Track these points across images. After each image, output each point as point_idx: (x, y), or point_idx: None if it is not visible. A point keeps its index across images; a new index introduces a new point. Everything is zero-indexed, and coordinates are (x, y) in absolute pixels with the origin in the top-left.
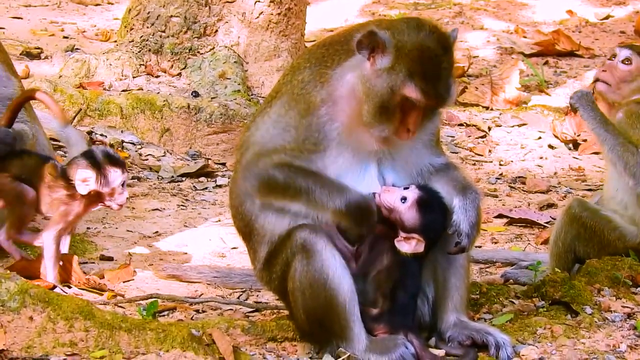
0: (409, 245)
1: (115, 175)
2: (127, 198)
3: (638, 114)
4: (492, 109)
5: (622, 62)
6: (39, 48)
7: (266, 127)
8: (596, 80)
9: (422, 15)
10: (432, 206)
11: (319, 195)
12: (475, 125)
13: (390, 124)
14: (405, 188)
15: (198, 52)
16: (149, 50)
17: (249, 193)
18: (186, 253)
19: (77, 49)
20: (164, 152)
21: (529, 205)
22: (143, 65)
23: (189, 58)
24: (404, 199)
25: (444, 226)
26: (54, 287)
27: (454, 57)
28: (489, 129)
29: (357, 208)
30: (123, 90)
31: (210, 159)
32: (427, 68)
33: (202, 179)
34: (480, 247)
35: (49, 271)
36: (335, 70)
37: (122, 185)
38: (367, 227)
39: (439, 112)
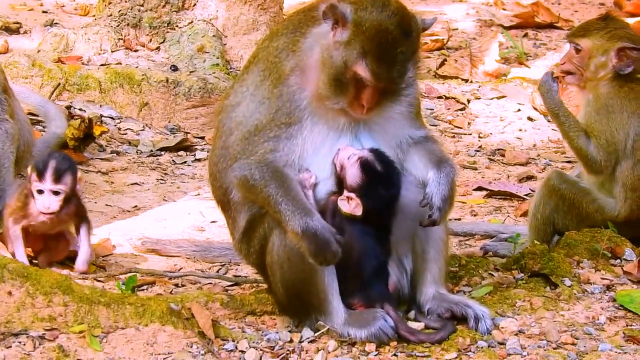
0: (348, 205)
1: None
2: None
3: (604, 99)
4: (471, 82)
5: (574, 50)
6: (17, 23)
7: (246, 102)
8: (562, 73)
9: None
10: (373, 169)
11: (283, 210)
12: (454, 98)
13: (344, 98)
14: (362, 149)
15: (176, 26)
16: (128, 24)
17: (231, 183)
18: (165, 227)
19: (56, 23)
20: (143, 127)
21: (508, 177)
22: (121, 39)
23: (167, 32)
24: (352, 156)
25: (389, 195)
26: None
27: (416, 42)
28: (468, 101)
29: (313, 236)
30: (102, 65)
31: (189, 132)
32: (381, 49)
33: (181, 152)
34: (459, 219)
35: (17, 253)
36: (307, 38)
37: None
38: (320, 259)
39: (403, 92)
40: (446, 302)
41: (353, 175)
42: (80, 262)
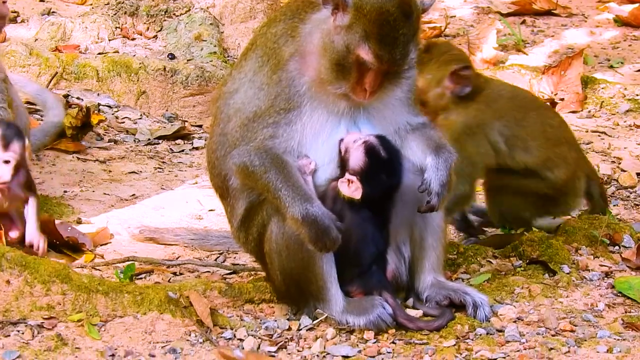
0: (348, 188)
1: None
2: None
3: (460, 126)
4: None
5: None
6: (15, 12)
7: (244, 89)
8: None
9: None
10: (377, 155)
11: (283, 196)
12: None
13: (346, 82)
14: (369, 135)
15: (174, 14)
16: (125, 12)
17: (230, 169)
18: (163, 215)
19: (53, 12)
20: (141, 115)
21: None
22: (119, 28)
23: (164, 20)
24: (357, 140)
25: (390, 183)
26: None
27: (417, 24)
28: None
29: (313, 222)
30: (99, 53)
31: (186, 121)
32: (383, 31)
33: (178, 141)
34: None
35: None
36: (306, 24)
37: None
38: (320, 245)
39: (405, 75)
40: (445, 290)
41: (356, 158)
42: (29, 234)
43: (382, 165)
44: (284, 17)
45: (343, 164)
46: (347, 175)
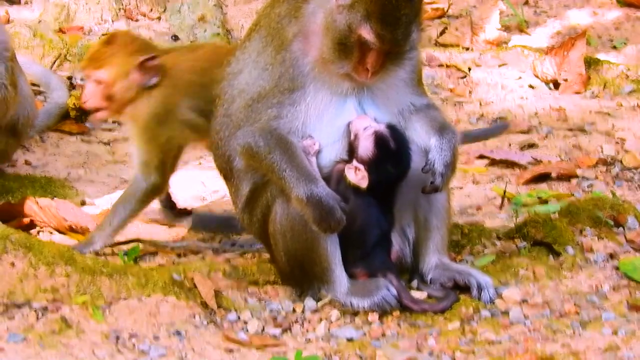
0: (355, 175)
1: None
2: None
3: (147, 116)
4: (472, 50)
5: (96, 84)
6: None
7: (248, 69)
8: (92, 109)
9: None
10: (387, 144)
11: (287, 177)
12: (455, 66)
13: (349, 62)
14: (380, 123)
15: None
16: None
17: (235, 150)
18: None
19: None
20: None
21: (509, 145)
22: (122, 9)
23: (168, 1)
24: (368, 128)
25: (397, 174)
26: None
27: (419, 4)
28: (469, 69)
29: (317, 203)
30: (103, 35)
31: None
32: (385, 11)
33: None
34: (461, 188)
35: None
36: (309, 4)
37: None
38: (325, 226)
39: (407, 55)
40: (449, 271)
41: (365, 147)
42: None
43: (391, 156)
44: None
45: (351, 149)
46: (355, 163)
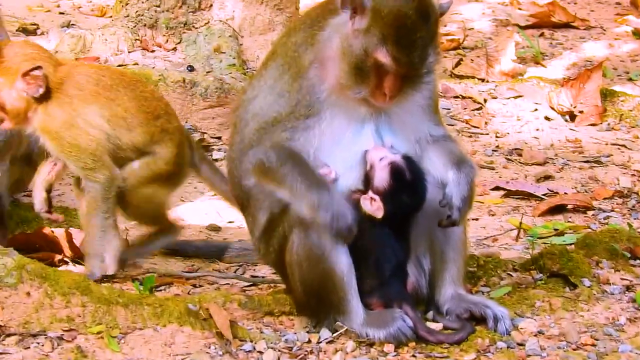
0: (370, 205)
1: None
2: None
3: (57, 123)
4: (487, 81)
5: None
6: (35, 24)
7: (263, 95)
8: None
9: None
10: (403, 175)
11: (299, 187)
12: (471, 98)
13: (366, 87)
14: (394, 153)
15: (193, 26)
16: (144, 25)
17: (247, 169)
18: (182, 227)
19: (72, 24)
20: None
21: (525, 177)
22: (138, 40)
23: (184, 32)
24: (384, 158)
25: (413, 205)
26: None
27: (435, 27)
28: (485, 101)
29: (329, 207)
30: (119, 65)
31: (206, 133)
32: (401, 34)
33: None
34: (477, 219)
35: None
36: (324, 30)
37: None
38: (337, 230)
39: (424, 79)
40: (465, 303)
41: (381, 178)
42: None
43: (407, 187)
44: (304, 26)
45: (367, 179)
46: (370, 194)
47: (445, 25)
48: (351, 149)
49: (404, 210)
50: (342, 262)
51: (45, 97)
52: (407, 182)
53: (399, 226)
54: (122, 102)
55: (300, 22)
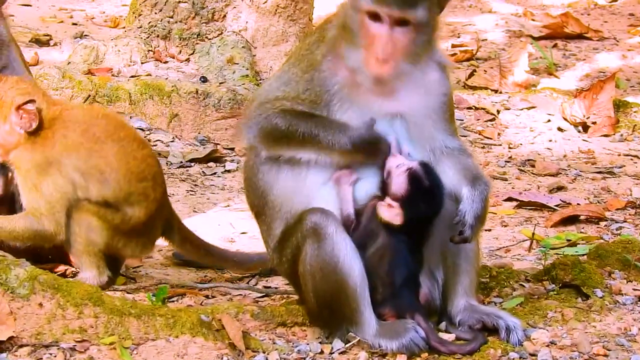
0: (388, 212)
1: None
2: None
3: (36, 160)
4: (501, 92)
5: None
6: (48, 35)
7: (269, 82)
8: None
9: None
10: (421, 183)
11: (323, 138)
12: (484, 109)
13: (362, 55)
14: (413, 160)
15: (206, 37)
16: (157, 36)
17: (255, 146)
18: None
19: (85, 35)
20: (173, 138)
21: (538, 188)
22: (151, 51)
23: (197, 43)
24: (401, 165)
25: (431, 211)
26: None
27: None
28: (498, 112)
29: (362, 142)
30: (131, 76)
31: (219, 144)
32: None
33: (210, 164)
34: (489, 230)
35: None
36: (333, 27)
37: None
38: (378, 156)
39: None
40: (477, 314)
41: (398, 184)
42: None
43: (424, 194)
44: (317, 30)
45: (384, 186)
46: (388, 200)
47: (459, 36)
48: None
49: (421, 217)
50: (355, 273)
51: (33, 133)
52: (424, 189)
53: (414, 236)
54: (105, 155)
55: (314, 30)
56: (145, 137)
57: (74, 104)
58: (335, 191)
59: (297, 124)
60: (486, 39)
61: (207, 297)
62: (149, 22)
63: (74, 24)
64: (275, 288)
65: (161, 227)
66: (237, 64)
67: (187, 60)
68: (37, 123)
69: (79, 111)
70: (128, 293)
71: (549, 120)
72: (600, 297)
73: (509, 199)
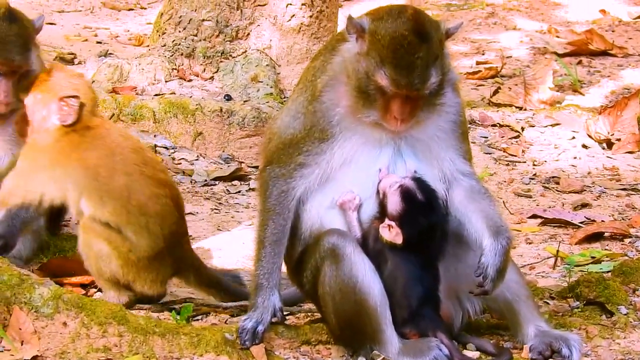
0: (389, 233)
1: None
2: None
3: (42, 151)
4: (525, 109)
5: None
6: (72, 53)
7: (284, 114)
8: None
9: (454, 17)
10: (413, 198)
11: (259, 266)
12: (508, 126)
13: (376, 110)
14: (404, 177)
15: (230, 55)
16: (181, 54)
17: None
18: (220, 257)
19: (110, 53)
20: (197, 156)
21: (563, 205)
22: (175, 69)
23: (221, 62)
24: (393, 184)
25: (430, 224)
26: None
27: (437, 48)
28: (523, 129)
29: (260, 310)
30: (156, 95)
31: (243, 162)
32: (397, 56)
33: (235, 182)
34: (514, 248)
35: None
36: (336, 56)
37: None
38: (242, 342)
39: (437, 101)
40: (547, 338)
41: (393, 203)
42: None
43: (419, 207)
44: (325, 51)
45: (382, 208)
46: (387, 221)
47: (483, 53)
48: (369, 172)
49: (422, 230)
50: (374, 293)
51: (64, 131)
52: (419, 203)
53: (422, 251)
54: (110, 182)
55: (324, 47)
56: (169, 155)
57: (115, 125)
58: (341, 215)
59: (266, 237)
60: (511, 56)
61: (231, 315)
62: (173, 41)
63: (98, 42)
64: (300, 306)
65: (173, 267)
66: (262, 82)
67: (211, 78)
68: (73, 121)
69: (115, 135)
70: (152, 312)
71: (573, 137)
72: (625, 314)
73: (534, 216)
